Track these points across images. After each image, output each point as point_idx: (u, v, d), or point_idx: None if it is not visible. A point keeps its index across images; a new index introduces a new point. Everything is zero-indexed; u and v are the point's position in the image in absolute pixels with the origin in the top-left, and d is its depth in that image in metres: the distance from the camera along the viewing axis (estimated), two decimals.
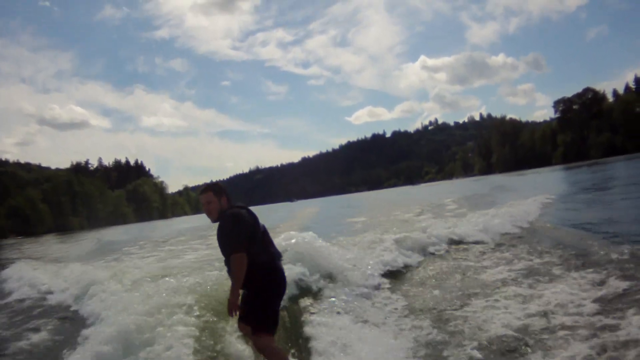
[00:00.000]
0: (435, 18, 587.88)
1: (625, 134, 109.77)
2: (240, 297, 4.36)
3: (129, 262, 13.73)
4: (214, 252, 11.90)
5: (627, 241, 8.73)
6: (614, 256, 7.62)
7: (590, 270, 7.22)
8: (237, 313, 4.38)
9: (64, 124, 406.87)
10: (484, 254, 9.89)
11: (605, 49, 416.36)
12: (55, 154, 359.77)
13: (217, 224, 4.62)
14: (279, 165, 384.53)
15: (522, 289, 6.89)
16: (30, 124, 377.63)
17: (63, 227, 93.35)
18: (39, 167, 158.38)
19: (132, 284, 7.90)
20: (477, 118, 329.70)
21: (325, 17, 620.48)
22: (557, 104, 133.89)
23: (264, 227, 4.65)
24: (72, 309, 8.45)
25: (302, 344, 5.65)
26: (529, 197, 19.99)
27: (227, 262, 4.48)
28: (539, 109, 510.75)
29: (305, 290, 7.08)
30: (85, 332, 5.94)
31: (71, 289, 9.39)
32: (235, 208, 4.56)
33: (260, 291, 4.38)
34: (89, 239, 35.60)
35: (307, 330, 5.77)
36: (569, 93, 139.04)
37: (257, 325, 4.40)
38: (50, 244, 39.88)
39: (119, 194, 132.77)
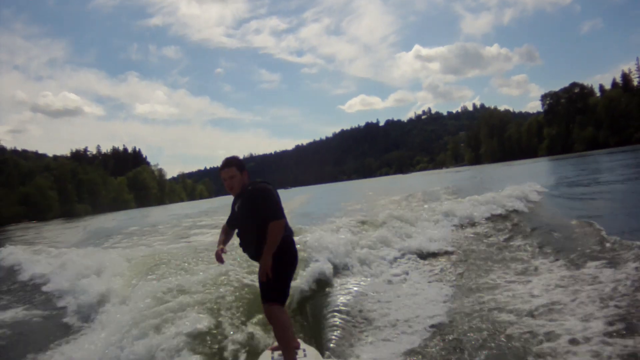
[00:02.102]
0: (430, 8, 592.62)
1: (608, 128, 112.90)
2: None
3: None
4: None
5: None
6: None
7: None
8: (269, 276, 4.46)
9: (57, 111, 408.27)
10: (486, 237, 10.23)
11: (599, 42, 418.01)
12: (48, 141, 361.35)
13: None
14: (272, 153, 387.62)
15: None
16: (23, 112, 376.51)
17: (69, 213, 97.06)
18: (35, 155, 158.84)
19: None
20: (470, 108, 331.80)
21: (319, 6, 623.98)
22: (544, 98, 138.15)
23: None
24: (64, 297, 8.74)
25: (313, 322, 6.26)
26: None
27: (242, 237, 4.71)
28: (533, 99, 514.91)
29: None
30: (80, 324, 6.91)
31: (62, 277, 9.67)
32: (262, 183, 4.64)
33: (278, 263, 4.46)
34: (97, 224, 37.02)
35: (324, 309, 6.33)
36: (562, 85, 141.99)
37: (269, 295, 4.51)
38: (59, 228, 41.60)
39: (121, 181, 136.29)
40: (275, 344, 4.84)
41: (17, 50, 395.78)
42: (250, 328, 5.71)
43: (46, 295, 9.23)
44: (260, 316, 5.77)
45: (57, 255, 12.65)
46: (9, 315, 8.27)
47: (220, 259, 4.77)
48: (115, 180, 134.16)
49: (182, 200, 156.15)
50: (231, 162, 4.66)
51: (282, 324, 4.52)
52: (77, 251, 12.02)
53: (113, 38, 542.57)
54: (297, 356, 4.66)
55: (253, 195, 4.51)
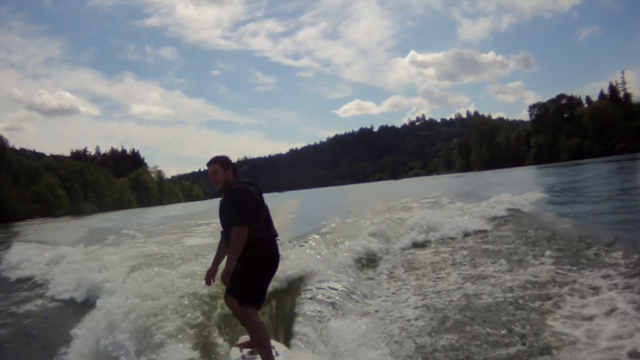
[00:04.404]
0: (427, 13, 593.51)
1: (593, 139, 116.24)
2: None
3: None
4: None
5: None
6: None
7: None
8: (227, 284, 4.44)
9: (53, 110, 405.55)
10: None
11: (596, 50, 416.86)
12: (43, 140, 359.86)
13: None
14: (267, 157, 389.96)
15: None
16: (19, 110, 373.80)
17: (77, 211, 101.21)
18: (34, 154, 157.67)
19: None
20: (464, 115, 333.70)
21: (316, 9, 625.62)
22: (532, 108, 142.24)
23: (266, 206, 4.77)
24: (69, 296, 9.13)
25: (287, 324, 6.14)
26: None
27: (225, 234, 4.61)
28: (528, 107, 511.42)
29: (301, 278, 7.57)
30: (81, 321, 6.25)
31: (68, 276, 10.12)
32: (243, 183, 4.66)
33: (254, 265, 4.45)
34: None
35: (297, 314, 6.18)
36: (558, 91, 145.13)
37: (245, 297, 4.46)
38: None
39: (123, 181, 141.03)
40: (242, 340, 4.98)
41: (15, 48, 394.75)
42: (214, 324, 5.71)
43: (44, 291, 9.89)
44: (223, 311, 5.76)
45: (59, 252, 13.67)
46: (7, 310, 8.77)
47: (208, 281, 4.80)
48: (118, 181, 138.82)
49: (179, 200, 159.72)
50: (216, 160, 4.73)
51: (258, 327, 4.54)
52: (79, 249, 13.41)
53: (109, 38, 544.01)
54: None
55: (231, 195, 4.55)
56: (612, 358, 4.34)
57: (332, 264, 8.35)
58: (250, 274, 4.45)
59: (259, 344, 4.51)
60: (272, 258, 4.64)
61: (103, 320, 5.42)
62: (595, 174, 35.01)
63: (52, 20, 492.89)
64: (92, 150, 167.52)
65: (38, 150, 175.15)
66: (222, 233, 4.73)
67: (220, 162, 4.68)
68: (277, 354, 4.65)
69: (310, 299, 6.66)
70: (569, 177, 36.11)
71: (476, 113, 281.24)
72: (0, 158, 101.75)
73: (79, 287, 9.20)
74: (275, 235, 4.73)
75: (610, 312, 5.34)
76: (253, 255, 4.42)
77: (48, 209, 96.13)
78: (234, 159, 4.83)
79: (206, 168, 4.73)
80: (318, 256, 8.84)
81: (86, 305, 7.79)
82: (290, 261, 8.00)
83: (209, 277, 4.78)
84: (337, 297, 6.88)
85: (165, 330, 5.24)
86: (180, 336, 5.21)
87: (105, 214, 76.20)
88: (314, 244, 10.11)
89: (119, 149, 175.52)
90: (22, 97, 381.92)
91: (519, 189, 21.23)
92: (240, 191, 4.54)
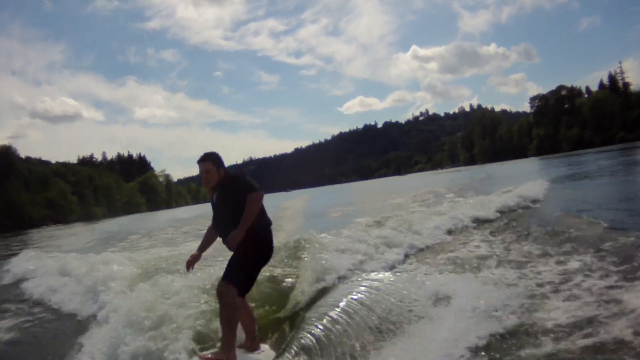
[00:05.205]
0: (427, 7, 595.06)
1: (593, 129, 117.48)
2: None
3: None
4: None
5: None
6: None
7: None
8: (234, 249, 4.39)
9: (56, 116, 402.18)
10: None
11: (597, 40, 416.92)
12: (48, 146, 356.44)
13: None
14: (272, 156, 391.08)
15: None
16: (22, 117, 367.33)
17: (88, 216, 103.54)
18: (40, 161, 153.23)
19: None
20: (468, 109, 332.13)
21: (317, 6, 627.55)
22: (532, 100, 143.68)
23: None
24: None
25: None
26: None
27: (222, 229, 4.61)
28: None
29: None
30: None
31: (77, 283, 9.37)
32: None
33: (250, 251, 4.41)
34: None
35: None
36: (560, 83, 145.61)
37: (235, 277, 4.39)
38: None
39: (132, 185, 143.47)
40: (207, 354, 4.52)
41: (15, 54, 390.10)
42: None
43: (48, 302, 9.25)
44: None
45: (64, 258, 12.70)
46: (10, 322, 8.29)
47: (188, 266, 4.73)
48: (127, 185, 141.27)
49: (187, 203, 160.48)
50: (208, 157, 4.64)
51: (234, 306, 4.37)
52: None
53: (111, 42, 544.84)
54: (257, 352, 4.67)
55: (233, 180, 4.55)
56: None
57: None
58: (244, 260, 4.43)
59: (229, 324, 4.39)
60: (267, 244, 4.62)
61: (108, 332, 5.30)
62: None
63: (53, 25, 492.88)
64: (98, 156, 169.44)
65: (44, 158, 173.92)
66: (213, 221, 4.79)
67: (212, 161, 4.65)
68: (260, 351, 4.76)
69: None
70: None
71: (479, 106, 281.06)
72: (10, 167, 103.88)
73: (87, 298, 8.43)
74: (270, 222, 4.73)
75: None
76: (250, 241, 4.39)
77: (60, 214, 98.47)
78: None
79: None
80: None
81: (92, 318, 7.24)
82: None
83: (191, 263, 4.75)
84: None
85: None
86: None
87: (117, 218, 78.01)
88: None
89: (125, 154, 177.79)
90: (25, 104, 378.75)
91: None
92: (236, 175, 4.62)
